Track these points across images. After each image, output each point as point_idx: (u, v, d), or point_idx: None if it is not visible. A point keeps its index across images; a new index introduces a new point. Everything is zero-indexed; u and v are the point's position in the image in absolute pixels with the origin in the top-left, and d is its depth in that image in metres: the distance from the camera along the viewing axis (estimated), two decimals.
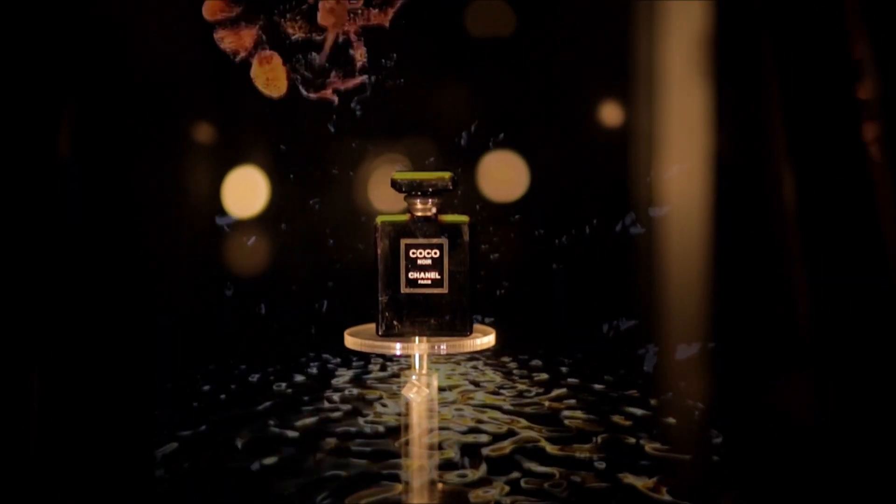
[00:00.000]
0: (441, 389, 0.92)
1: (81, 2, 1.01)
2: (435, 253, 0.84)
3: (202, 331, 1.07)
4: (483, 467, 0.76)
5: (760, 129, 1.02)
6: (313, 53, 1.01)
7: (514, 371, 0.99)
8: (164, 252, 1.06)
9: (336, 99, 1.06)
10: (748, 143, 1.04)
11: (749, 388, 0.95)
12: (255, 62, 1.04)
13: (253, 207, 1.10)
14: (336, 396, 0.91)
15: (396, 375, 0.97)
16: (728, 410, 0.90)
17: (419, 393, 0.87)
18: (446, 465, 0.76)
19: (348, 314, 0.93)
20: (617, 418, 0.87)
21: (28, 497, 0.77)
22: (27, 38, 0.96)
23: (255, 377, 0.98)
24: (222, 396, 0.93)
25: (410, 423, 0.84)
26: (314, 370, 1.00)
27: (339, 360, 1.02)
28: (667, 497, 0.72)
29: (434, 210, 0.85)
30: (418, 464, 0.77)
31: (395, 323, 0.85)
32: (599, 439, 0.82)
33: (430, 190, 0.84)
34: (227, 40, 1.03)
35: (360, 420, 0.85)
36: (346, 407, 0.89)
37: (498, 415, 0.87)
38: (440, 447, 0.79)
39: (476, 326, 0.87)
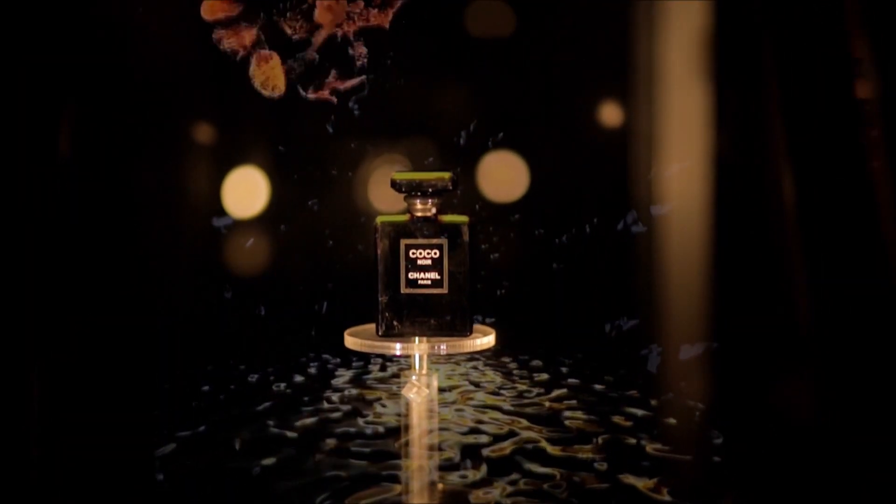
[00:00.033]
0: (441, 390, 0.92)
1: (81, 2, 1.01)
2: (435, 253, 0.84)
3: (202, 331, 1.07)
4: (483, 468, 0.76)
5: (760, 129, 1.02)
6: (308, 50, 1.01)
7: (515, 371, 0.99)
8: (164, 252, 1.06)
9: (335, 99, 1.06)
10: (748, 143, 1.04)
11: (749, 388, 0.95)
12: (253, 62, 1.04)
13: (253, 208, 1.10)
14: (336, 397, 0.91)
15: (396, 376, 0.97)
16: (728, 410, 0.90)
17: (419, 393, 0.87)
18: (446, 466, 0.76)
19: (348, 314, 0.93)
20: (617, 419, 0.87)
21: (28, 497, 0.77)
22: (27, 38, 0.96)
23: (254, 377, 0.98)
24: (221, 397, 0.93)
25: (410, 424, 0.84)
26: (313, 370, 1.00)
27: (338, 360, 1.02)
28: (667, 497, 0.72)
29: (434, 210, 0.85)
30: (418, 464, 0.77)
31: (395, 323, 0.84)
32: (600, 440, 0.82)
33: (430, 190, 0.84)
34: (226, 40, 1.03)
35: (360, 421, 0.85)
36: (346, 407, 0.89)
37: (498, 415, 0.87)
38: (440, 448, 0.79)
39: (476, 327, 0.87)
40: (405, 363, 0.97)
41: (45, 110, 0.98)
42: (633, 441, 0.82)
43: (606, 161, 1.09)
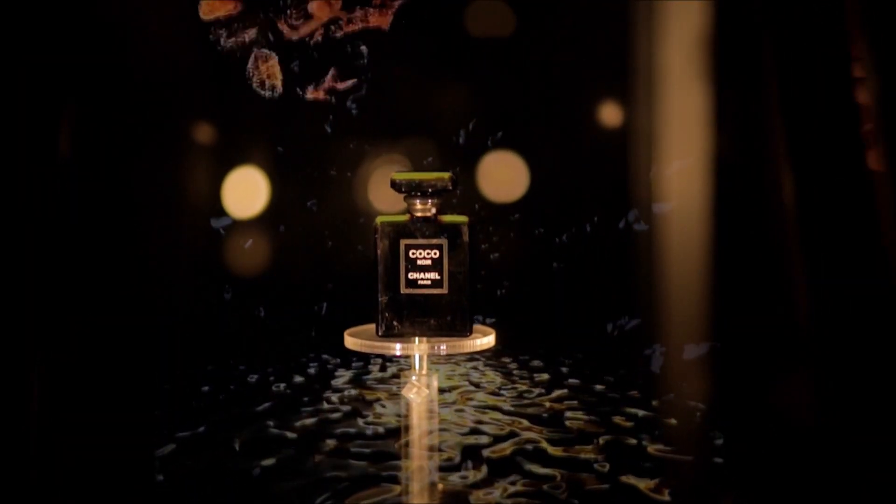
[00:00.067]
0: (441, 390, 0.91)
1: (81, 2, 1.01)
2: (435, 253, 0.84)
3: (202, 331, 1.07)
4: (484, 468, 0.76)
5: (760, 129, 1.02)
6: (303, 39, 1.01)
7: (515, 371, 0.99)
8: (164, 252, 1.06)
9: (332, 99, 1.06)
10: (748, 143, 1.04)
11: (749, 389, 0.95)
12: (252, 61, 1.04)
13: (253, 208, 1.10)
14: (335, 397, 0.91)
15: (396, 376, 0.97)
16: (728, 411, 0.90)
17: (419, 394, 0.87)
18: (446, 466, 0.76)
19: (348, 315, 0.93)
20: (618, 419, 0.87)
21: (28, 497, 0.77)
22: (28, 38, 0.96)
23: (253, 378, 0.98)
24: (221, 397, 0.93)
25: (410, 425, 0.84)
26: (313, 370, 1.00)
27: (338, 360, 1.02)
28: (667, 498, 0.72)
29: (434, 210, 0.85)
30: (418, 465, 0.77)
31: (394, 323, 0.84)
32: (601, 440, 0.82)
33: (430, 190, 0.84)
34: (225, 39, 1.03)
35: (360, 421, 0.85)
36: (346, 408, 0.89)
37: (498, 416, 0.87)
38: (440, 448, 0.79)
39: (476, 327, 0.87)
40: (405, 363, 0.97)
41: (45, 110, 0.98)
42: (633, 441, 0.82)
43: (606, 161, 1.09)
